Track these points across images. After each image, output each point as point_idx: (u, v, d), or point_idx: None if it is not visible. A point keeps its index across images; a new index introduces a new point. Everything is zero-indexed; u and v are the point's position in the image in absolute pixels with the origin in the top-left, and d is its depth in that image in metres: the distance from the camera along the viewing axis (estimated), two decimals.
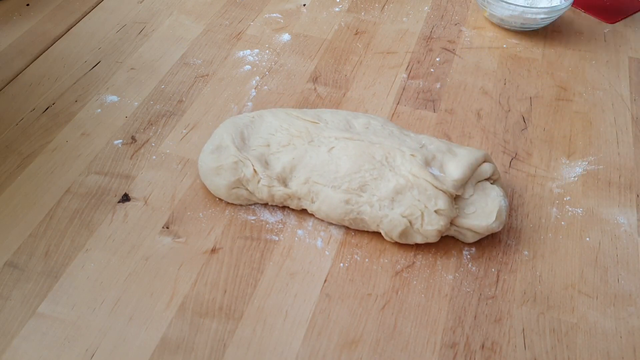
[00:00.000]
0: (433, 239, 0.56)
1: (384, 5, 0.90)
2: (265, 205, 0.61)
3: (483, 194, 0.58)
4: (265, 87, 0.75)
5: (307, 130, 0.61)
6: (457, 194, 0.56)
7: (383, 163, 0.58)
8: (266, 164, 0.60)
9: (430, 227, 0.55)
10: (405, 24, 0.86)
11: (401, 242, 0.57)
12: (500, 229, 0.57)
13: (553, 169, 0.66)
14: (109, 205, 0.61)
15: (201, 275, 0.55)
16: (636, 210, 0.62)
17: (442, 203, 0.55)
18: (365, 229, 0.58)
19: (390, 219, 0.56)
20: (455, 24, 0.87)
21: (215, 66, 0.78)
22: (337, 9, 0.89)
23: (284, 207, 0.61)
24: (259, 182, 0.59)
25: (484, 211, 0.57)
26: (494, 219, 0.56)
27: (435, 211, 0.55)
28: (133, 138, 0.68)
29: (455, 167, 0.57)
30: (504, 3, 0.81)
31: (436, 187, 0.56)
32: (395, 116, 0.72)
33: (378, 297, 0.54)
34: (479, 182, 0.59)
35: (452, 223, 0.57)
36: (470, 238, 0.57)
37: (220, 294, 0.54)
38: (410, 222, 0.55)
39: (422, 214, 0.55)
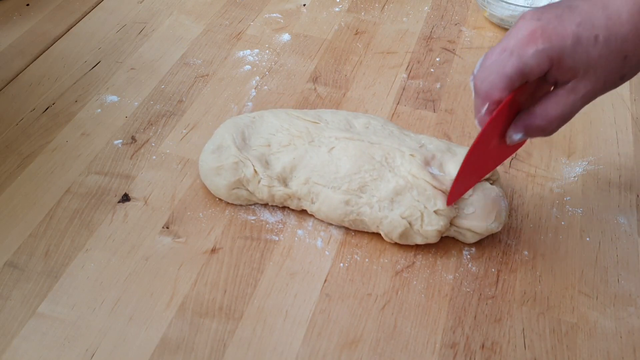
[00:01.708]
0: (433, 239, 0.56)
1: (384, 5, 0.90)
2: (265, 205, 0.61)
3: (482, 194, 0.58)
4: (265, 87, 0.75)
5: (308, 130, 0.61)
6: None
7: (383, 163, 0.58)
8: (266, 164, 0.60)
9: (430, 228, 0.55)
10: (405, 24, 0.86)
11: (401, 242, 0.57)
12: (499, 230, 0.57)
13: (553, 169, 0.66)
14: (109, 205, 0.61)
15: (201, 275, 0.55)
16: (636, 210, 0.62)
17: (441, 203, 0.55)
18: (365, 230, 0.58)
19: (390, 220, 0.56)
20: (455, 24, 0.87)
21: (215, 66, 0.78)
22: (337, 9, 0.89)
23: (284, 207, 0.61)
24: (259, 182, 0.59)
25: (483, 211, 0.56)
26: (493, 219, 0.56)
27: (435, 212, 0.55)
28: (133, 138, 0.68)
29: (454, 166, 0.57)
30: (504, 3, 0.81)
31: (435, 187, 0.56)
32: (395, 116, 0.72)
33: (378, 297, 0.54)
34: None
35: (451, 223, 0.57)
36: (471, 238, 0.57)
37: (220, 294, 0.54)
38: (410, 223, 0.55)
39: (422, 214, 0.55)
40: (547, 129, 0.48)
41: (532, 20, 0.45)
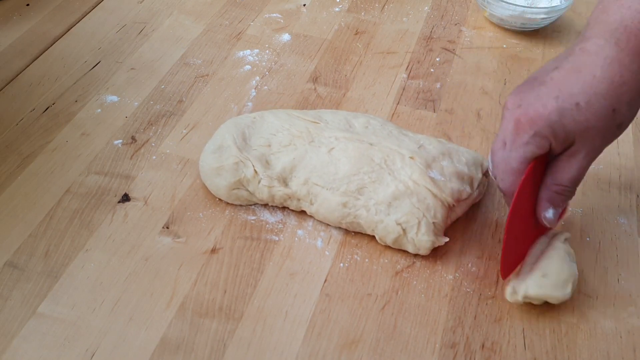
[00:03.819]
0: (424, 251, 0.56)
1: (384, 5, 0.90)
2: (266, 205, 0.61)
3: (555, 256, 0.53)
4: (265, 87, 0.75)
5: (308, 130, 0.61)
6: (454, 203, 0.56)
7: (382, 166, 0.57)
8: (267, 164, 0.59)
9: (425, 238, 0.55)
10: (405, 24, 0.86)
11: (395, 247, 0.57)
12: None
13: None
14: (109, 205, 0.61)
15: (201, 275, 0.55)
16: (636, 210, 0.62)
17: (440, 215, 0.55)
18: (363, 232, 0.58)
19: (385, 225, 0.55)
20: (455, 24, 0.87)
21: (215, 66, 0.78)
22: (337, 9, 0.89)
23: (284, 207, 0.61)
24: (259, 182, 0.59)
25: (558, 278, 0.52)
26: (570, 286, 0.52)
27: (433, 223, 0.55)
28: (133, 138, 0.68)
29: (455, 170, 0.57)
30: (504, 3, 0.81)
31: (436, 196, 0.55)
32: (395, 116, 0.72)
33: (378, 297, 0.54)
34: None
35: (521, 293, 0.52)
36: (538, 302, 0.53)
37: (220, 294, 0.54)
38: (404, 230, 0.55)
39: (419, 222, 0.55)
40: (567, 194, 0.51)
41: (514, 108, 0.48)
